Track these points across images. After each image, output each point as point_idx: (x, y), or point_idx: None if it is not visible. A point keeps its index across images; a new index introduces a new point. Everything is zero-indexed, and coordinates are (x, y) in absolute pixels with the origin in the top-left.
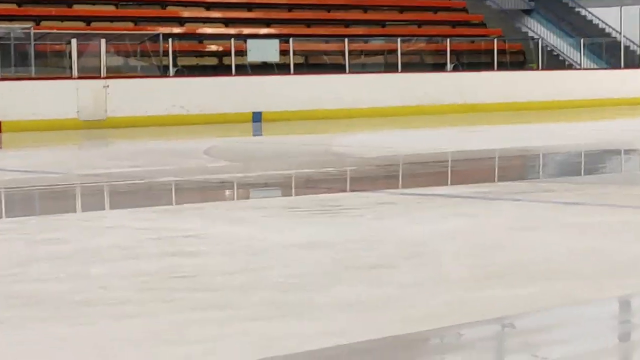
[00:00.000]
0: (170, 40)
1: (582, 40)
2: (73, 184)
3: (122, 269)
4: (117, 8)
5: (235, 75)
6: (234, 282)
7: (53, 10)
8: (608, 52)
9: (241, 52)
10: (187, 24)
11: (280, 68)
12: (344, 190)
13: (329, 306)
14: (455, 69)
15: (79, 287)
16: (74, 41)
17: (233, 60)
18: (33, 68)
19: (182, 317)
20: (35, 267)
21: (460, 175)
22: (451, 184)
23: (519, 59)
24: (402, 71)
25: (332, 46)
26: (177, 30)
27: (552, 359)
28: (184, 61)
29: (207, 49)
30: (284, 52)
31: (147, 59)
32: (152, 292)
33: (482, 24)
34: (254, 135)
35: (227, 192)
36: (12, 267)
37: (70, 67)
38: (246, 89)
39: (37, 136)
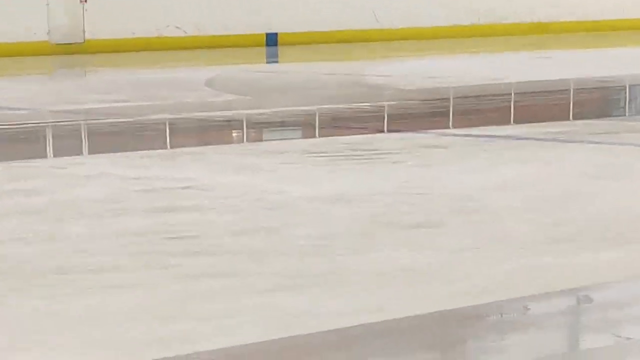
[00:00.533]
0: None
1: None
2: (44, 122)
3: (105, 227)
4: None
5: None
6: (245, 245)
7: None
8: None
9: None
10: None
11: None
12: (380, 131)
13: (362, 275)
14: None
15: (52, 251)
16: None
17: None
18: None
19: (181, 287)
20: None
21: (525, 112)
22: (514, 122)
23: None
24: None
25: None
26: None
27: (638, 339)
28: None
29: None
30: None
31: None
32: (143, 256)
33: None
34: (268, 62)
35: (235, 133)
36: None
37: None
38: (258, 3)
39: None
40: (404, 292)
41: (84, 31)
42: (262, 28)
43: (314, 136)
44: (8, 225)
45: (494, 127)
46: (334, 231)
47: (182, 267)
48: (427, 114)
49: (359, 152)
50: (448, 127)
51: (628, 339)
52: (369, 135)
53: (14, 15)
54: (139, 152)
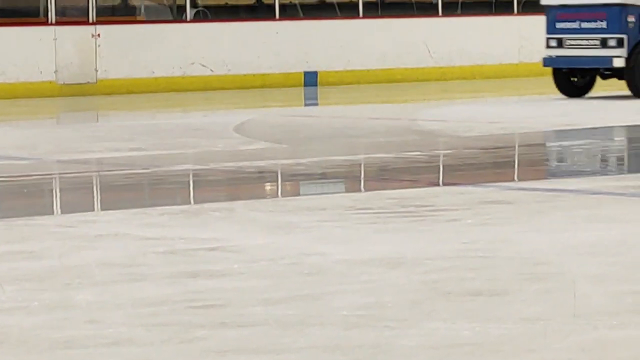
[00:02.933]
0: None
1: None
2: (49, 174)
3: (119, 295)
4: None
5: (280, 19)
6: (279, 316)
7: None
8: None
9: None
10: None
11: (343, 9)
12: (435, 184)
13: (413, 349)
14: None
15: (57, 321)
16: None
17: None
18: None
19: None
20: None
21: (601, 163)
22: (588, 174)
23: None
24: (521, 13)
25: None
26: None
27: None
28: None
29: None
30: None
31: None
32: (163, 328)
33: None
34: (306, 104)
35: (268, 187)
36: None
37: (46, 8)
38: (296, 40)
39: None
40: None
41: (96, 70)
42: (299, 66)
43: (358, 190)
44: (8, 292)
45: (565, 179)
46: (382, 299)
47: (207, 341)
48: (489, 164)
49: (410, 209)
50: (513, 180)
51: None
52: (422, 189)
53: (18, 53)
54: (159, 208)
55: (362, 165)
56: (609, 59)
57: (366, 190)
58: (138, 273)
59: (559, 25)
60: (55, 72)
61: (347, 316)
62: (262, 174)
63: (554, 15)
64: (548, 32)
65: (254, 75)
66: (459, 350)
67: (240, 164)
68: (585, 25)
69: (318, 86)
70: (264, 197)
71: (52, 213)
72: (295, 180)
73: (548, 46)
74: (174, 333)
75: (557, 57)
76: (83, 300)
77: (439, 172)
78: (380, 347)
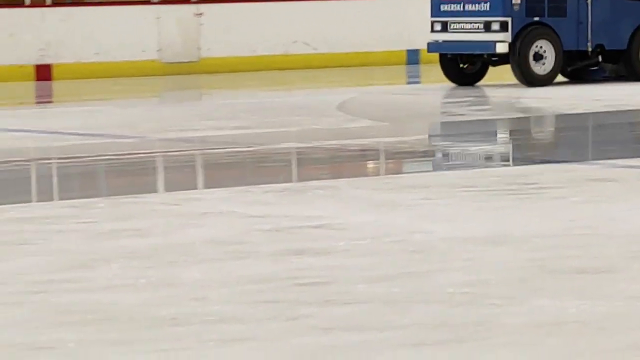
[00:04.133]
0: None
1: None
2: (153, 152)
3: (224, 273)
4: None
5: None
6: (384, 294)
7: None
8: None
9: None
10: None
11: None
12: (538, 162)
13: (519, 327)
14: None
15: (164, 299)
16: None
17: None
18: None
19: (310, 341)
20: (101, 270)
21: None
22: None
23: None
24: None
25: None
26: None
27: None
28: None
29: None
30: None
31: None
32: (268, 305)
33: None
34: (409, 82)
35: (372, 165)
36: (68, 269)
37: None
38: (398, 16)
39: (102, 85)
40: (569, 346)
41: (199, 48)
42: (402, 44)
43: (462, 168)
44: (111, 270)
45: None
46: (487, 277)
47: (312, 318)
48: (593, 141)
49: (514, 187)
50: (617, 157)
51: None
52: (526, 167)
53: (120, 32)
54: (263, 186)
55: (465, 143)
56: (492, 44)
57: (470, 168)
58: (243, 251)
59: (444, 7)
60: (159, 50)
61: (452, 294)
62: (365, 152)
63: None
64: (432, 15)
65: (356, 53)
66: (565, 328)
67: (344, 141)
68: (468, 7)
69: (421, 64)
70: (368, 175)
71: (157, 191)
72: (399, 158)
73: (432, 30)
74: (280, 310)
75: (442, 42)
76: (189, 277)
77: (542, 150)
78: (485, 325)
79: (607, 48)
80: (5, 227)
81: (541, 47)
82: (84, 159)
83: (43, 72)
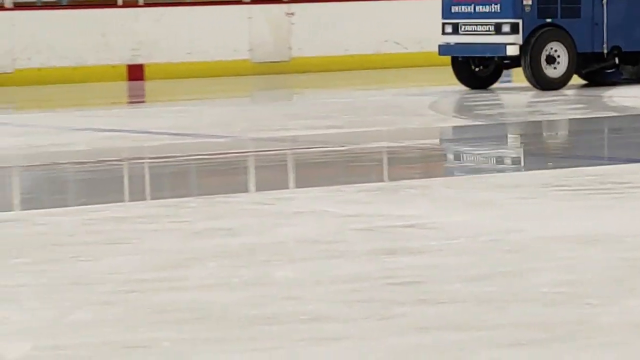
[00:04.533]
0: None
1: None
2: (245, 152)
3: (318, 272)
4: None
5: None
6: (479, 293)
7: None
8: None
9: None
10: None
11: None
12: (632, 160)
13: (617, 327)
14: None
15: (257, 298)
16: None
17: None
18: None
19: (405, 340)
20: (195, 269)
21: None
22: None
23: None
24: None
25: None
26: None
27: None
28: None
29: None
30: None
31: None
32: (363, 304)
33: None
34: (501, 81)
35: (463, 163)
36: (163, 268)
37: None
38: None
39: (194, 85)
40: None
41: (290, 48)
42: None
43: (555, 167)
44: (209, 268)
45: None
46: (583, 277)
47: (407, 318)
48: None
49: (608, 186)
50: None
51: None
52: (621, 166)
53: (212, 32)
54: (355, 185)
55: (559, 142)
56: (503, 46)
57: (563, 167)
58: (336, 250)
59: (455, 8)
60: (250, 50)
61: (546, 293)
62: (457, 151)
63: None
64: (443, 17)
65: None
66: None
67: (435, 141)
68: (479, 8)
69: None
70: (460, 175)
71: (249, 191)
72: (491, 157)
73: (444, 32)
74: (374, 310)
75: (454, 44)
76: (282, 276)
77: (637, 149)
78: (580, 324)
79: (623, 50)
80: (100, 227)
81: (554, 49)
82: (177, 158)
83: (135, 72)
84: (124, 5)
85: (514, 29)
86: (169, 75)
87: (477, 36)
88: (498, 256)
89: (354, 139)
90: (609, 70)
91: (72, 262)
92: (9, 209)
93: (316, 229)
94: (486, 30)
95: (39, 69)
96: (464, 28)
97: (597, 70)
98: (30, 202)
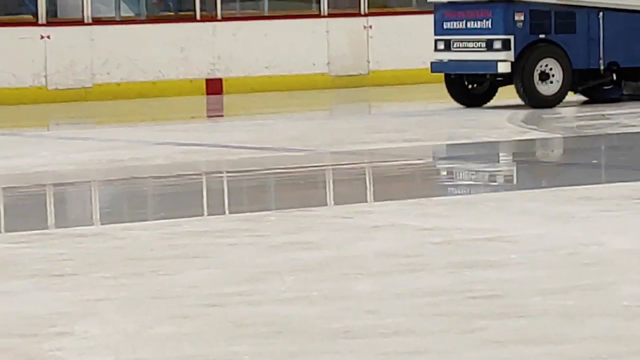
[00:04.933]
0: None
1: None
2: (323, 165)
3: (397, 286)
4: None
5: None
6: (558, 306)
7: None
8: None
9: None
10: None
11: None
12: None
13: None
14: None
15: (337, 311)
16: None
17: None
18: (266, 2)
19: (484, 354)
20: (274, 283)
21: None
22: None
23: None
24: None
25: None
26: None
27: None
28: None
29: None
30: None
31: None
32: (442, 318)
33: None
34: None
35: (543, 176)
36: (242, 282)
37: (318, 0)
38: None
39: (272, 99)
40: None
41: (368, 61)
42: None
43: (635, 179)
44: (287, 282)
45: None
46: None
47: (487, 331)
48: None
49: None
50: None
51: None
52: None
53: (289, 46)
54: (434, 198)
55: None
56: (494, 63)
57: None
58: (416, 263)
59: (447, 24)
60: (328, 64)
61: (628, 307)
62: (536, 164)
63: (442, 13)
64: (436, 33)
65: None
66: None
67: (514, 153)
68: (470, 24)
69: None
70: (540, 188)
71: (327, 204)
72: (571, 169)
73: (436, 49)
74: (454, 323)
75: (447, 61)
76: (362, 290)
77: None
78: None
79: (621, 65)
80: (180, 241)
81: (548, 66)
82: (255, 172)
83: (214, 86)
84: (203, 20)
85: (506, 46)
86: (247, 89)
87: (469, 53)
88: (577, 269)
89: (431, 152)
90: (606, 87)
91: (152, 276)
92: (90, 223)
93: (395, 242)
94: (477, 47)
95: (118, 84)
96: (456, 45)
97: (594, 87)
98: (111, 216)
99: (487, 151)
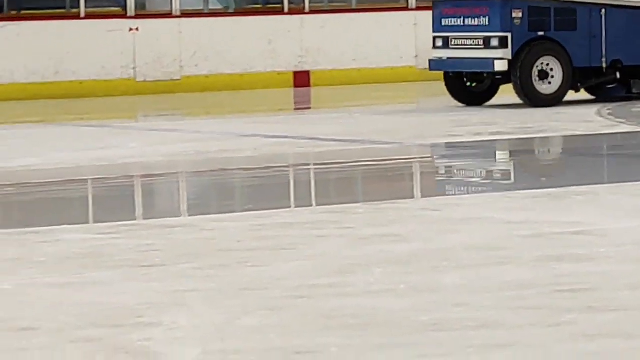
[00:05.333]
0: None
1: None
2: (410, 158)
3: (485, 279)
4: None
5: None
6: None
7: None
8: None
9: None
10: None
11: None
12: None
13: None
14: None
15: (425, 304)
16: None
17: None
18: None
19: (572, 348)
20: (362, 275)
21: None
22: None
23: None
24: None
25: None
26: None
27: None
28: None
29: None
30: None
31: None
32: (530, 311)
33: None
34: None
35: (630, 170)
36: (330, 274)
37: None
38: None
39: (360, 91)
40: None
41: None
42: None
43: None
44: (371, 275)
45: None
46: None
47: (575, 325)
48: None
49: None
50: None
51: None
52: None
53: (379, 39)
54: (522, 192)
55: None
56: (491, 61)
57: None
58: (504, 256)
59: (445, 21)
60: (416, 57)
61: None
62: (624, 158)
63: (440, 10)
64: (434, 30)
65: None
66: None
67: (602, 146)
68: (468, 21)
69: None
70: (627, 180)
71: (414, 197)
72: None
73: (435, 46)
74: (542, 317)
75: (446, 59)
76: (450, 283)
77: None
78: None
79: (625, 64)
80: (268, 233)
81: (547, 64)
82: (343, 164)
83: (301, 79)
84: (290, 12)
85: (503, 43)
86: (335, 82)
87: (467, 50)
88: None
89: (519, 146)
90: (610, 86)
91: (240, 267)
92: (178, 214)
93: (483, 235)
94: (475, 45)
95: (207, 76)
96: (454, 42)
97: (597, 86)
98: (199, 207)
99: (577, 145)
